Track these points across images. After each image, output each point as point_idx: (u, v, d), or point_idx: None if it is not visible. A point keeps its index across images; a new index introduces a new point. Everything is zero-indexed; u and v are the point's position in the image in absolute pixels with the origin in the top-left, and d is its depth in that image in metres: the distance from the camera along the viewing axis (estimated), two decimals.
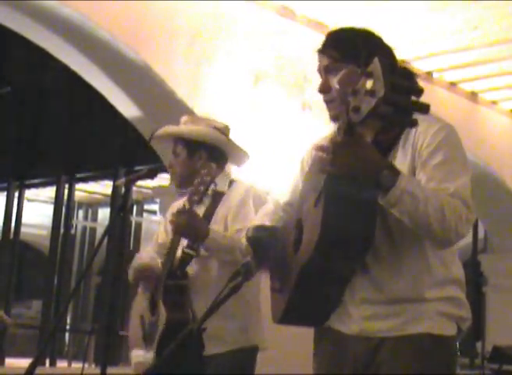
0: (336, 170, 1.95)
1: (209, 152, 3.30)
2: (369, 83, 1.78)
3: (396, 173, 1.96)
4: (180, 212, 3.08)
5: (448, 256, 2.15)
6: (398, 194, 1.94)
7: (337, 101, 2.13)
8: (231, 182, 3.34)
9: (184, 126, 3.36)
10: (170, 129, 3.37)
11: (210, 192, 3.25)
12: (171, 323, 3.05)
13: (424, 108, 1.83)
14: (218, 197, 3.25)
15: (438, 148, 2.07)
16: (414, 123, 1.88)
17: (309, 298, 2.13)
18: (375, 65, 1.78)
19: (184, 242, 3.22)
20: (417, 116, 1.99)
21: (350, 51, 2.19)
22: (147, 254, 3.41)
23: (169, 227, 3.35)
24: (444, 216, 1.96)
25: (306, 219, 2.14)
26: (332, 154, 1.93)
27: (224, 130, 3.39)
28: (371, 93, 1.77)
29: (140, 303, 3.36)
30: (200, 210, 3.26)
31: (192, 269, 3.18)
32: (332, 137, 1.99)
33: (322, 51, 2.26)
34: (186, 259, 3.18)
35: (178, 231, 3.08)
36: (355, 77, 1.92)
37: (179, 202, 3.46)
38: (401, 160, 2.11)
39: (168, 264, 3.14)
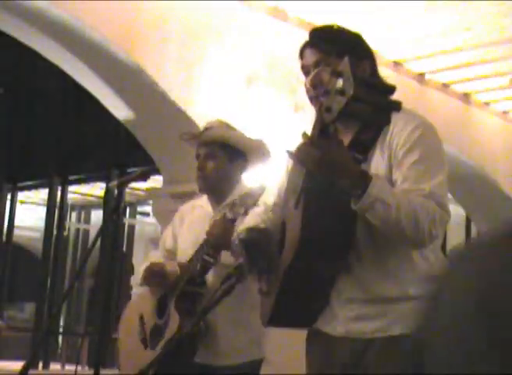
0: (307, 168, 1.95)
1: (246, 162, 3.31)
2: (339, 83, 1.78)
3: (367, 179, 1.95)
4: (221, 222, 3.02)
5: (431, 253, 2.15)
6: (369, 202, 1.94)
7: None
8: None
9: (232, 132, 3.32)
10: (221, 133, 3.29)
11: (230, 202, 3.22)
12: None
13: (396, 106, 1.84)
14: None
15: (413, 146, 2.07)
16: (388, 122, 1.87)
17: (294, 300, 2.13)
18: (345, 64, 1.79)
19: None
20: (395, 114, 1.99)
21: (342, 46, 2.18)
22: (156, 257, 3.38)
23: (180, 231, 3.34)
24: (417, 221, 1.97)
25: (288, 221, 2.15)
26: (303, 152, 1.93)
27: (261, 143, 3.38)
28: (341, 92, 1.77)
29: (141, 303, 3.32)
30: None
31: (209, 277, 3.15)
32: (307, 136, 1.98)
33: (313, 46, 2.23)
34: (206, 267, 3.15)
35: (217, 241, 3.02)
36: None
37: (187, 206, 3.44)
38: (379, 160, 2.11)
39: (192, 270, 3.10)
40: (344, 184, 1.95)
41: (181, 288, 3.11)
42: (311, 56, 2.23)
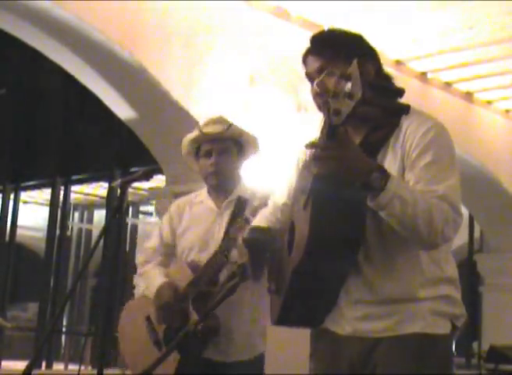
0: (321, 172, 1.94)
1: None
2: (348, 86, 1.78)
3: (385, 175, 1.94)
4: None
5: (441, 255, 2.15)
6: (388, 198, 1.93)
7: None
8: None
9: (243, 129, 3.35)
10: (240, 129, 3.34)
11: (235, 198, 3.23)
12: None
13: (405, 109, 1.84)
14: (243, 204, 3.21)
15: (426, 148, 2.06)
16: (398, 124, 1.86)
17: (303, 299, 2.13)
18: (354, 67, 1.79)
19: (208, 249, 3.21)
20: (408, 115, 1.98)
21: (346, 50, 2.16)
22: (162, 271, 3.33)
23: (178, 227, 3.33)
24: (432, 220, 1.96)
25: (297, 221, 2.15)
26: (315, 156, 1.92)
27: None
28: (350, 95, 1.77)
29: (143, 305, 3.30)
30: (226, 214, 3.24)
31: (222, 276, 3.15)
32: (317, 140, 1.98)
33: (315, 53, 2.22)
34: (221, 267, 3.15)
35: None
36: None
37: (184, 202, 3.42)
38: (391, 160, 2.11)
39: (211, 272, 3.12)
40: (362, 180, 1.93)
41: (200, 289, 3.11)
42: (314, 63, 2.22)
